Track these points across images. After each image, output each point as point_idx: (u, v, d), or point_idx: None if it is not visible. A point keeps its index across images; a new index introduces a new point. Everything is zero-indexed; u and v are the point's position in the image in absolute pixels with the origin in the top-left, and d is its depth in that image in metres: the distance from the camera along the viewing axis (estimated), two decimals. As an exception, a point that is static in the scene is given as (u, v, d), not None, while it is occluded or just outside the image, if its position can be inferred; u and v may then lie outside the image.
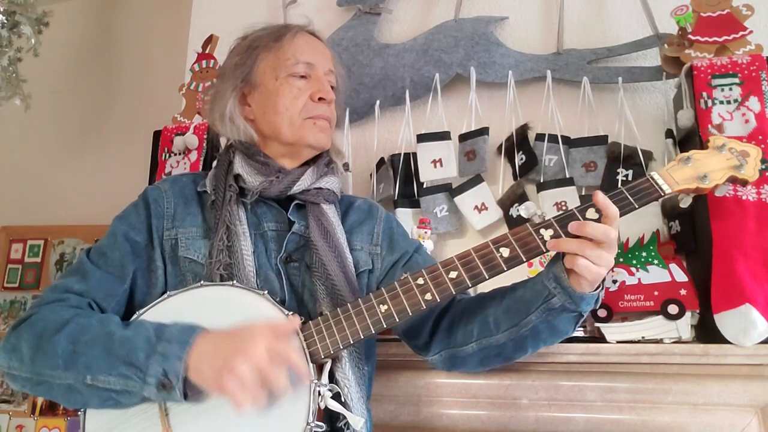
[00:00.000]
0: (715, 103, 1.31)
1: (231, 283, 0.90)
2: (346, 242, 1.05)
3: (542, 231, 0.86)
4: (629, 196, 0.86)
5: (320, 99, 1.05)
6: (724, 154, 0.90)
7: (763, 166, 1.26)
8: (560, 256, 0.87)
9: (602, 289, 0.88)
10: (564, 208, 1.45)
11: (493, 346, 0.95)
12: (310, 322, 0.89)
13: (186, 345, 0.80)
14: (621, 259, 1.35)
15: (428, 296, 0.87)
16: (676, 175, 0.88)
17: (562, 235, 0.85)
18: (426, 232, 1.50)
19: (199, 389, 0.81)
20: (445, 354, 1.02)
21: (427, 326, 1.04)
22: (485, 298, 0.99)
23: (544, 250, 0.86)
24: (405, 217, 1.63)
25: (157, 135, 1.87)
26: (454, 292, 0.87)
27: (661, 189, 0.87)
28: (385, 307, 0.87)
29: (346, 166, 1.70)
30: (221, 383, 0.76)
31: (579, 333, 1.37)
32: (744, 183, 0.90)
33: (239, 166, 1.04)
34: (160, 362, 0.79)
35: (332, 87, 1.09)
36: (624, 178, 1.43)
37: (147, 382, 0.79)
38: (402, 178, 1.65)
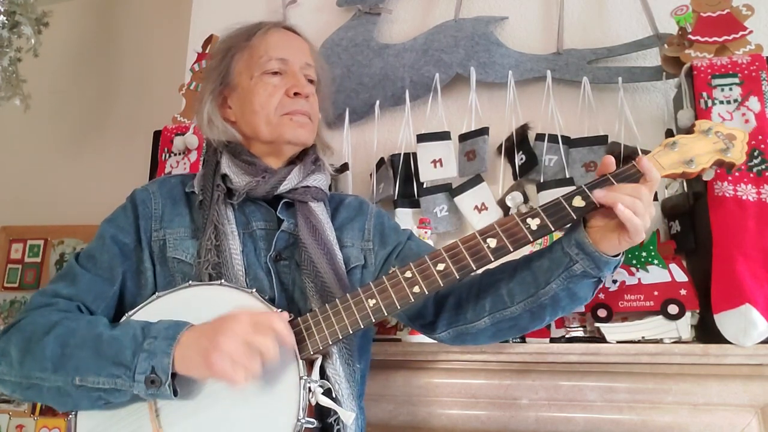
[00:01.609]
0: (715, 103, 1.31)
1: (219, 282, 0.90)
2: (336, 239, 1.05)
3: (529, 220, 0.86)
4: (615, 183, 0.86)
5: (296, 94, 1.03)
6: (711, 137, 0.89)
7: (764, 166, 1.26)
8: (581, 224, 0.87)
9: (623, 255, 0.88)
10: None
11: (507, 318, 0.95)
12: (299, 318, 0.89)
13: (172, 341, 0.80)
14: (621, 259, 1.35)
15: (416, 289, 0.86)
16: (663, 160, 0.87)
17: (549, 224, 0.85)
18: (426, 232, 1.50)
19: (189, 384, 0.81)
20: (453, 332, 1.01)
21: (430, 307, 1.03)
22: (494, 273, 0.99)
23: (531, 240, 0.86)
24: (405, 217, 1.63)
25: (157, 135, 1.87)
26: (442, 285, 0.86)
27: None
28: (374, 301, 0.87)
29: (345, 166, 1.70)
30: (210, 364, 0.76)
31: (579, 333, 1.37)
32: (731, 166, 0.88)
33: (226, 166, 1.04)
34: (148, 359, 0.80)
35: (311, 81, 1.08)
36: (624, 178, 1.43)
37: (136, 379, 0.80)
38: (402, 178, 1.65)
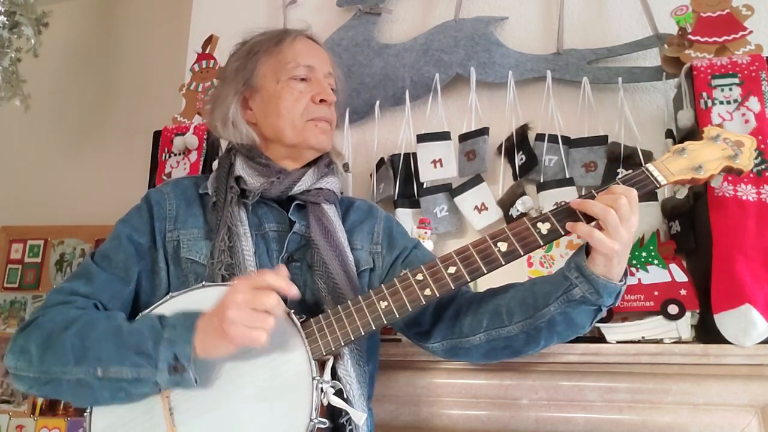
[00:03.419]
0: (715, 103, 1.31)
1: (232, 283, 0.90)
2: (347, 242, 1.06)
3: (539, 225, 0.87)
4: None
5: (321, 101, 1.06)
6: (719, 144, 0.89)
7: (764, 166, 1.26)
8: (583, 249, 0.88)
9: (625, 283, 0.88)
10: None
11: (503, 338, 0.95)
12: (311, 319, 0.90)
13: (191, 328, 0.82)
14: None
15: (427, 292, 0.88)
16: (671, 167, 0.88)
17: (559, 228, 0.86)
18: (426, 233, 1.50)
19: (208, 379, 0.83)
20: (447, 344, 1.02)
21: (428, 315, 1.04)
22: (497, 291, 1.00)
23: (541, 244, 0.87)
24: (405, 217, 1.63)
25: (157, 135, 1.87)
26: (453, 287, 0.88)
27: (657, 180, 0.88)
28: (385, 303, 0.88)
29: (346, 167, 1.70)
30: (227, 336, 0.78)
31: (579, 333, 1.37)
32: (739, 173, 0.89)
33: (240, 168, 1.05)
34: (169, 347, 0.82)
35: (332, 89, 1.10)
36: (624, 178, 1.43)
37: (159, 367, 0.81)
38: (402, 178, 1.65)
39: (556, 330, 0.92)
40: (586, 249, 0.87)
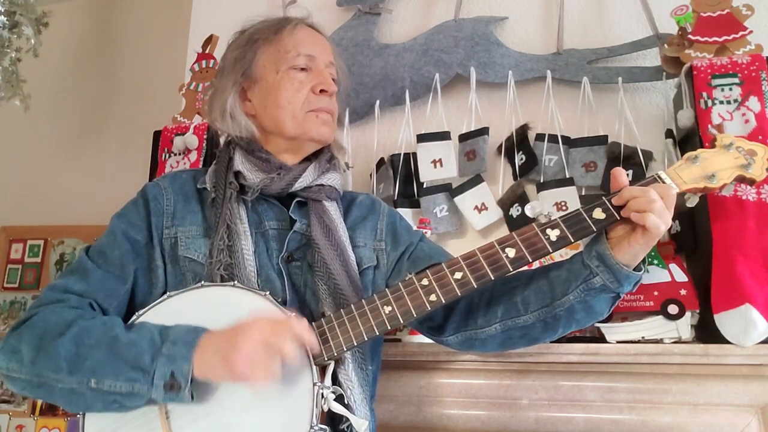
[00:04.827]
0: (715, 103, 1.31)
1: (232, 283, 0.89)
2: (349, 240, 1.03)
3: (548, 231, 0.85)
4: None
5: (322, 91, 1.03)
6: (732, 152, 0.88)
7: (764, 167, 1.26)
8: (603, 236, 0.86)
9: (643, 271, 0.87)
10: (564, 208, 1.46)
11: (519, 327, 0.94)
12: (313, 323, 0.88)
13: (192, 346, 0.79)
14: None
15: (433, 297, 0.86)
16: (684, 175, 0.87)
17: (569, 235, 0.85)
18: (426, 233, 1.50)
19: (205, 388, 0.80)
20: (462, 336, 1.00)
21: (440, 309, 1.00)
22: (509, 280, 0.97)
23: (550, 251, 0.85)
24: (405, 217, 1.62)
25: (157, 135, 1.87)
26: (459, 294, 0.86)
27: None
28: (389, 308, 0.86)
29: (346, 166, 1.70)
30: (231, 365, 0.75)
31: (579, 333, 1.37)
32: (752, 182, 0.88)
33: (239, 162, 1.02)
34: (167, 364, 0.78)
35: (333, 79, 1.07)
36: (624, 178, 1.43)
37: (154, 384, 0.78)
38: (402, 178, 1.65)
39: (575, 318, 0.91)
40: (606, 236, 0.86)
